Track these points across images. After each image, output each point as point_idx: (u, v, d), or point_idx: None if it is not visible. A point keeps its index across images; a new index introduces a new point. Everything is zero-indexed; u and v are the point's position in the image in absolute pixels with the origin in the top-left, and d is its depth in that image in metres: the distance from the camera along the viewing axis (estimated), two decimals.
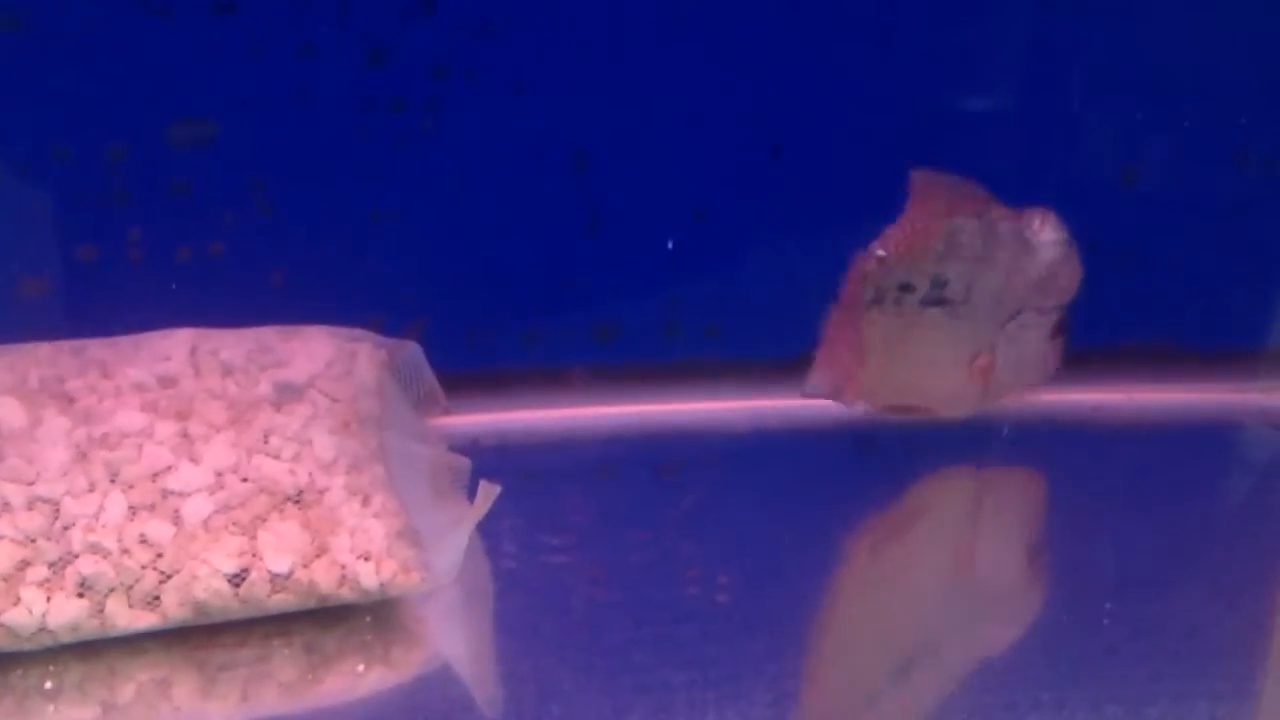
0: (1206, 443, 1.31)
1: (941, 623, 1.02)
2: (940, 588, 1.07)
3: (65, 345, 1.07)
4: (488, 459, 1.17)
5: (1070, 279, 1.17)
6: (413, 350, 1.20)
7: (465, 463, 1.12)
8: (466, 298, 1.27)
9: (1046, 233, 1.15)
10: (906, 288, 1.12)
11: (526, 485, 1.19)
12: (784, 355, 1.32)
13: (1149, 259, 1.33)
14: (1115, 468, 1.25)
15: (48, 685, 0.89)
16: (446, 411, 1.22)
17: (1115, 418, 1.33)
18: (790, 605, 1.03)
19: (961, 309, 1.13)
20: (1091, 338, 1.31)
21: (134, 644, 0.92)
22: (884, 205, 1.27)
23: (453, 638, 0.99)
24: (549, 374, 1.30)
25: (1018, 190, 1.25)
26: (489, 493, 1.05)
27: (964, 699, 0.92)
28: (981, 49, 1.28)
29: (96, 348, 1.07)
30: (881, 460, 1.27)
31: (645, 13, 1.22)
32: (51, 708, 0.88)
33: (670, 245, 1.28)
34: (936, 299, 1.13)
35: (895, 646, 0.98)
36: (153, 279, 1.19)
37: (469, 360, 1.27)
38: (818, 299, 1.30)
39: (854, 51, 1.27)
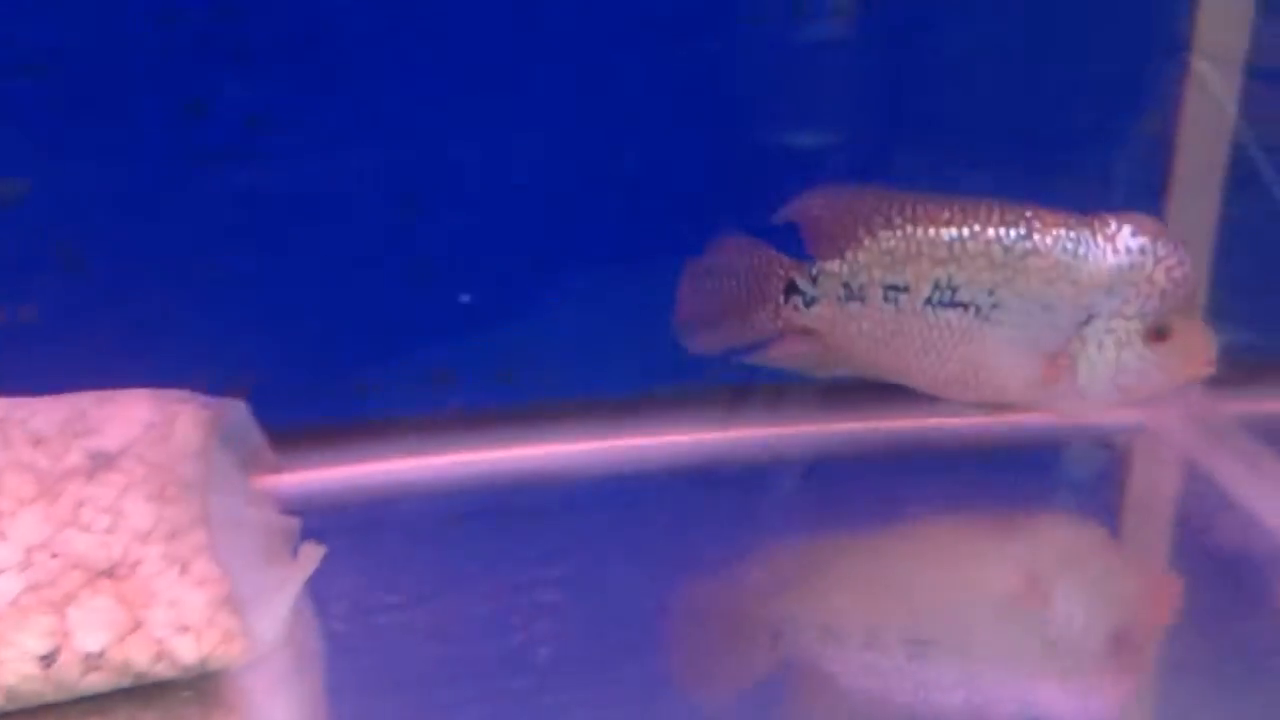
0: (1029, 462, 1.34)
1: None
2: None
3: None
4: (322, 517, 1.15)
5: (1155, 287, 1.12)
6: (239, 409, 1.17)
7: (293, 523, 1.10)
8: (294, 352, 1.25)
9: (1118, 239, 1.12)
10: (894, 288, 1.15)
11: (362, 542, 1.16)
12: (626, 395, 1.33)
13: None
14: (946, 492, 1.27)
15: None
16: (277, 470, 1.20)
17: (946, 442, 1.35)
18: (632, 653, 1.02)
19: (995, 313, 1.14)
20: None
21: None
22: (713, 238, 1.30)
23: (279, 708, 0.96)
24: (383, 426, 1.28)
25: None
26: (313, 554, 1.03)
27: None
28: (801, 92, 1.30)
29: None
30: (732, 500, 1.28)
31: (467, 59, 1.21)
32: None
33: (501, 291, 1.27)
34: (949, 301, 1.14)
35: None
36: None
37: (300, 416, 1.24)
38: (656, 336, 1.31)
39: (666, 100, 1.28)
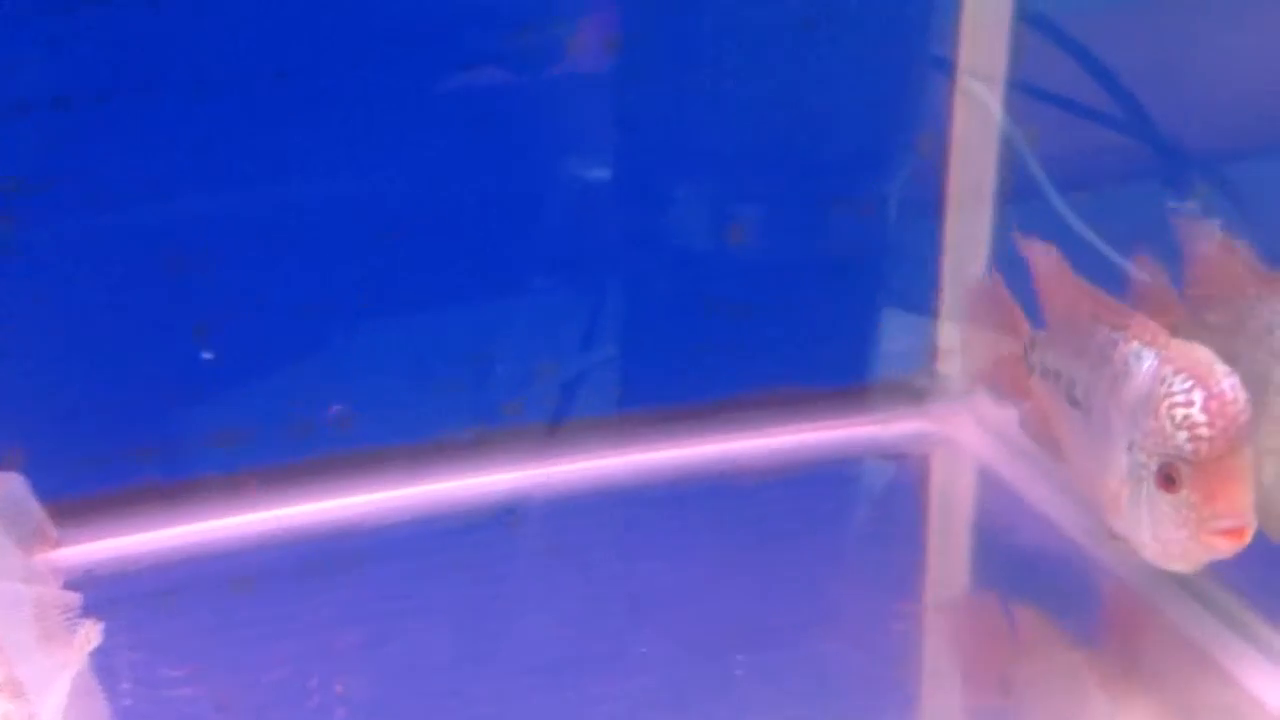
0: (828, 479, 1.37)
1: None
2: None
3: None
4: (107, 588, 1.11)
5: (1160, 423, 0.94)
6: (14, 482, 1.13)
7: (74, 599, 1.06)
8: (70, 420, 1.20)
9: (1143, 359, 0.97)
10: (1052, 373, 1.09)
11: (150, 611, 1.13)
12: (419, 441, 1.32)
13: (762, 311, 1.38)
14: (746, 516, 1.29)
15: None
16: (57, 544, 1.16)
17: (748, 466, 1.37)
18: (437, 703, 1.01)
19: (1088, 418, 1.03)
20: (714, 392, 1.37)
21: None
22: (498, 280, 1.30)
23: None
24: (170, 491, 1.24)
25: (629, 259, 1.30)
26: (92, 632, 0.99)
27: None
28: (577, 137, 1.30)
29: None
30: (534, 540, 1.28)
31: (229, 109, 1.19)
32: None
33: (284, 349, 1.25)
34: (1070, 398, 1.06)
35: None
36: None
37: (80, 486, 1.20)
38: (448, 379, 1.31)
39: (456, 131, 1.27)
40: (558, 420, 1.34)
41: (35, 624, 1.03)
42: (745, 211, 1.34)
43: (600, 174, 1.31)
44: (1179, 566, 0.99)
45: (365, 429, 1.30)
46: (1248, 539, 0.92)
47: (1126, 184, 1.48)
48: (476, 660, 1.08)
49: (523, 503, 1.30)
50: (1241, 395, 0.91)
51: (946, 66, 1.40)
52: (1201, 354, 0.94)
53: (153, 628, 1.10)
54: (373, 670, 1.05)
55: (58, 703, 0.94)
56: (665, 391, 1.37)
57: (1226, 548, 0.93)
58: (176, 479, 1.25)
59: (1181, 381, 0.93)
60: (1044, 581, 1.19)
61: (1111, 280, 1.13)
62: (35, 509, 1.14)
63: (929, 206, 1.41)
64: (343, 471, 1.28)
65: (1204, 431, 0.91)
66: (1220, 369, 0.93)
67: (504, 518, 1.27)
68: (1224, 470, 0.91)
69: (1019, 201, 1.43)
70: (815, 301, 1.39)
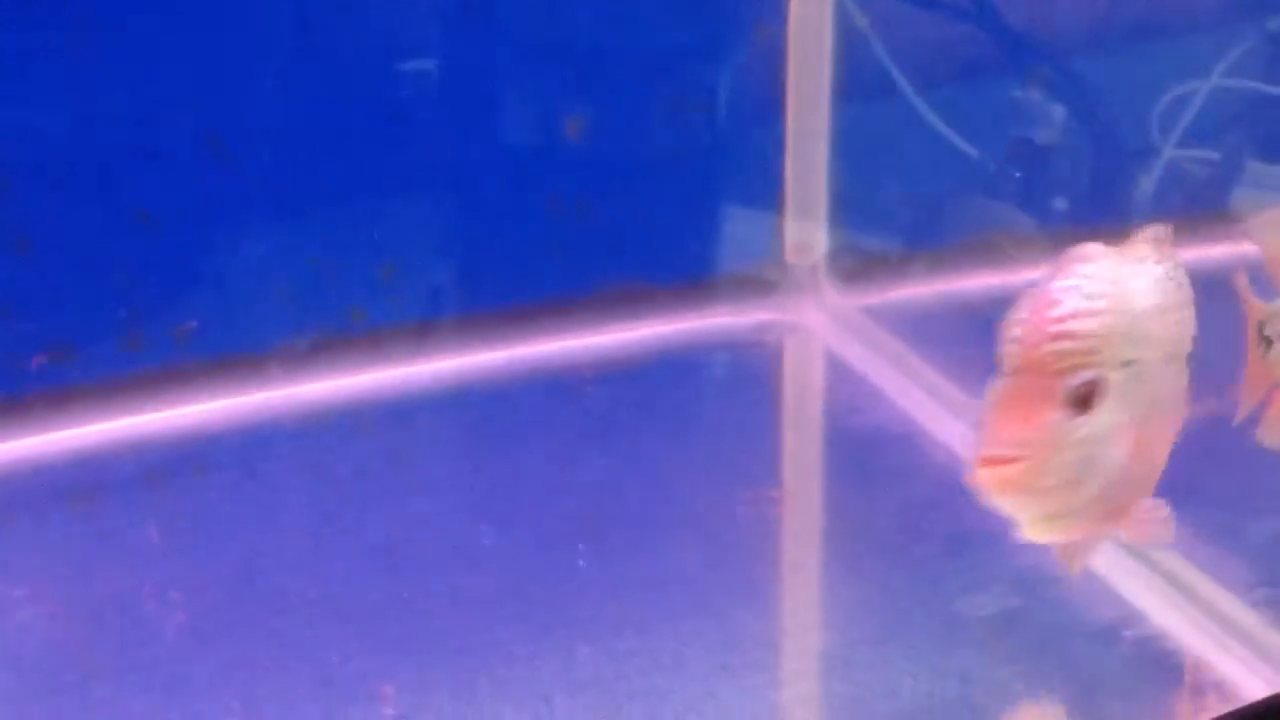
0: (677, 370, 1.38)
1: None
2: None
3: None
4: None
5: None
6: None
7: None
8: None
9: None
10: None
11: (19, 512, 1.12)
12: (259, 349, 1.30)
13: (604, 207, 1.38)
14: (594, 410, 1.30)
15: None
16: None
17: (594, 362, 1.38)
18: (265, 604, 1.01)
19: None
20: (558, 289, 1.37)
21: None
22: (334, 183, 1.28)
23: None
24: (4, 406, 1.21)
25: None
26: None
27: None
28: (406, 34, 1.28)
29: None
30: (382, 444, 1.27)
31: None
32: None
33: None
34: None
35: None
36: None
37: None
38: (287, 286, 1.29)
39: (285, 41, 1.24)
40: (398, 323, 1.33)
41: None
42: (582, 106, 1.33)
43: (436, 71, 1.29)
44: None
45: (205, 338, 1.28)
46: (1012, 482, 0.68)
47: (971, 76, 1.50)
48: (317, 561, 1.08)
49: (363, 407, 1.29)
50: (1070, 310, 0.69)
51: None
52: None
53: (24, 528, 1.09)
54: (214, 577, 1.04)
55: None
56: (508, 290, 1.36)
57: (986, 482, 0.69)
58: (8, 393, 1.22)
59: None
60: (891, 463, 1.22)
61: None
62: None
63: (770, 100, 1.42)
64: (180, 381, 1.26)
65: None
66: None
67: (343, 423, 1.26)
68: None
69: (859, 95, 1.45)
70: (658, 197, 1.39)
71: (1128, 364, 0.70)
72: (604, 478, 1.20)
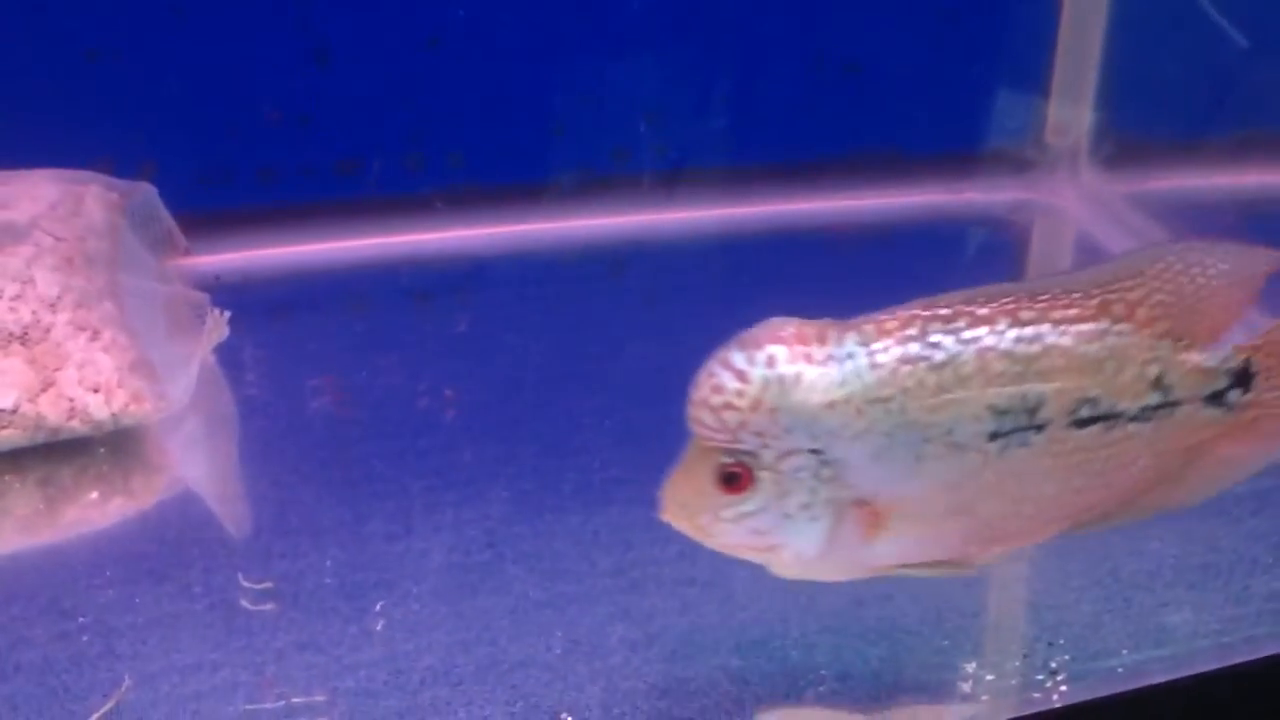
0: (928, 241, 1.38)
1: None
2: None
3: None
4: (231, 296, 1.17)
5: None
6: (146, 192, 1.18)
7: (201, 297, 1.12)
8: (198, 137, 1.25)
9: None
10: None
11: (272, 319, 1.20)
12: (527, 180, 1.35)
13: (874, 70, 1.38)
14: (845, 271, 1.31)
15: None
16: (187, 253, 1.22)
17: (849, 224, 1.39)
18: (531, 413, 1.07)
19: None
20: (818, 149, 1.38)
21: None
22: (612, 26, 1.31)
23: (192, 463, 1.00)
24: (289, 211, 1.29)
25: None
26: (219, 321, 1.06)
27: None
28: None
29: None
30: (638, 284, 1.31)
31: None
32: None
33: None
34: None
35: None
36: None
37: (206, 201, 1.26)
38: (561, 123, 1.33)
39: None
40: (660, 171, 1.36)
41: (165, 316, 1.10)
42: None
43: None
44: None
45: (474, 166, 1.33)
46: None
47: None
48: (576, 383, 1.12)
49: (622, 248, 1.33)
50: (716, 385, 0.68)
51: None
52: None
53: (274, 333, 1.16)
54: (483, 382, 1.10)
55: (187, 385, 1.02)
56: (770, 147, 1.38)
57: None
58: (296, 201, 1.30)
59: None
60: None
61: None
62: (165, 217, 1.19)
63: None
64: (454, 204, 1.33)
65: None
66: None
67: (603, 259, 1.31)
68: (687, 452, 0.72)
69: None
70: (925, 64, 1.38)
71: (803, 452, 0.68)
72: None
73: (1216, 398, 0.74)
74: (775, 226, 1.37)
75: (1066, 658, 0.81)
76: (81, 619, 0.81)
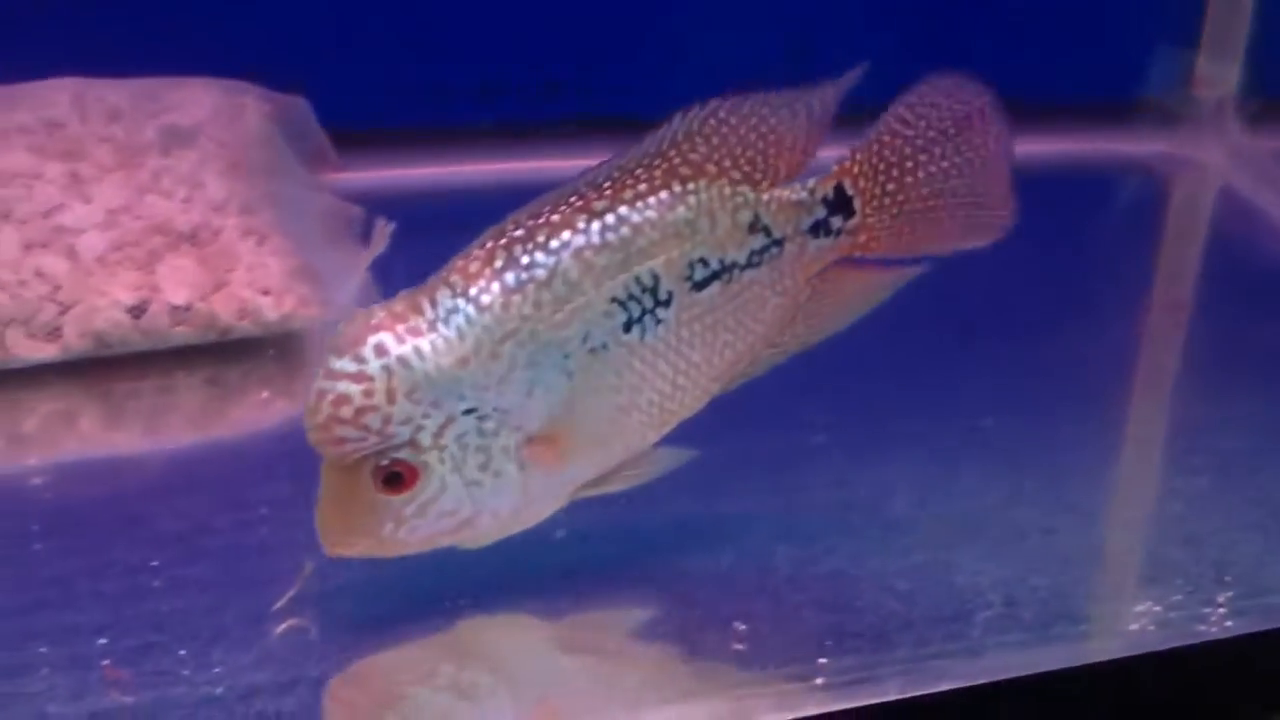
0: (1066, 189, 1.37)
1: None
2: None
3: None
4: (379, 211, 1.17)
5: None
6: (300, 106, 1.19)
7: (357, 210, 1.13)
8: (351, 58, 1.26)
9: None
10: None
11: (419, 235, 1.19)
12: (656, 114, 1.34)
13: (1022, 14, 1.36)
14: None
15: None
16: (337, 168, 1.23)
17: None
18: None
19: None
20: None
21: (35, 376, 0.94)
22: None
23: None
24: (437, 132, 1.30)
25: None
26: (384, 231, 1.07)
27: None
28: None
29: None
30: None
31: None
32: None
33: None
34: None
35: None
36: (26, 34, 1.17)
37: (359, 119, 1.26)
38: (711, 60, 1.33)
39: None
40: None
41: (323, 226, 1.11)
42: None
43: None
44: None
45: (618, 96, 1.33)
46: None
47: None
48: None
49: None
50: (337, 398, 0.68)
51: None
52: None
53: (422, 248, 1.16)
54: None
55: (350, 291, 1.03)
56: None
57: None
58: (444, 123, 1.30)
59: None
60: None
61: None
62: (317, 132, 1.20)
63: None
64: (589, 132, 1.33)
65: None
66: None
67: None
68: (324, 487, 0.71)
69: None
70: (1078, 12, 1.37)
71: (458, 417, 0.68)
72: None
73: (820, 227, 0.77)
74: None
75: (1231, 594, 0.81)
76: (262, 510, 0.83)
